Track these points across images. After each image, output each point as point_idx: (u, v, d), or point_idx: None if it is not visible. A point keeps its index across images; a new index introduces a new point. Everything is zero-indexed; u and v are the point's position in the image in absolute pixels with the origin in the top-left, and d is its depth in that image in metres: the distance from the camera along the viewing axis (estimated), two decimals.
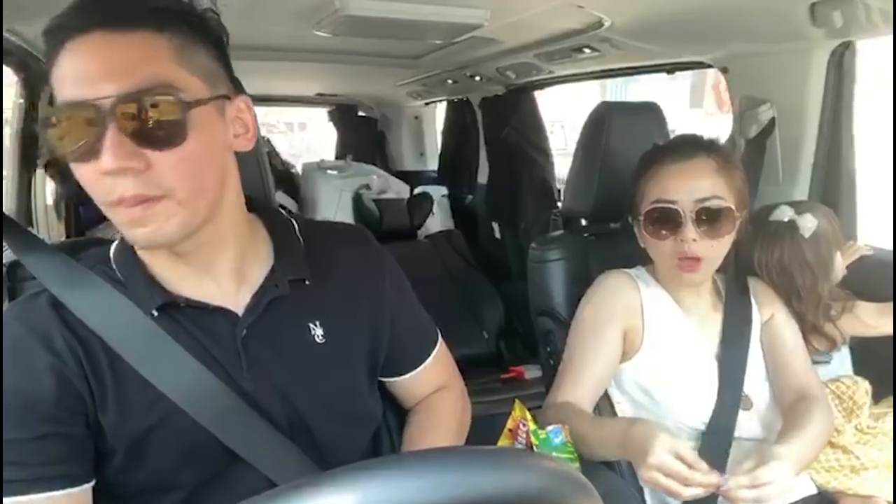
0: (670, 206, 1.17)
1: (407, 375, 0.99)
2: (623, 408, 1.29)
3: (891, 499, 1.21)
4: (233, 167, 0.77)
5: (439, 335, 1.02)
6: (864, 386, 1.33)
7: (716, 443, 1.19)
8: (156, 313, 0.76)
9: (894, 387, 1.32)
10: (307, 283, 0.84)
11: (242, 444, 0.76)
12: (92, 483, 0.74)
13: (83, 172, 0.67)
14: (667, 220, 1.17)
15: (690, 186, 1.16)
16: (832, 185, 1.65)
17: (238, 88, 0.77)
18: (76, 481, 0.72)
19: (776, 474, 0.94)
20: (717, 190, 1.16)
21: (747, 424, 1.22)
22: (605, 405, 1.33)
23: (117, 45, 0.65)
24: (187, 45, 0.69)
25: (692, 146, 1.20)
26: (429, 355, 1.00)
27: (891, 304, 1.36)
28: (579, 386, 1.19)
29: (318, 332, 0.82)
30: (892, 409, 1.32)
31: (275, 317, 0.80)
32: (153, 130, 0.65)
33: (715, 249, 1.18)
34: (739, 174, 1.20)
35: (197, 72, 0.69)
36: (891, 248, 1.53)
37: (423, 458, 0.41)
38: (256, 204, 0.87)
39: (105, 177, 0.65)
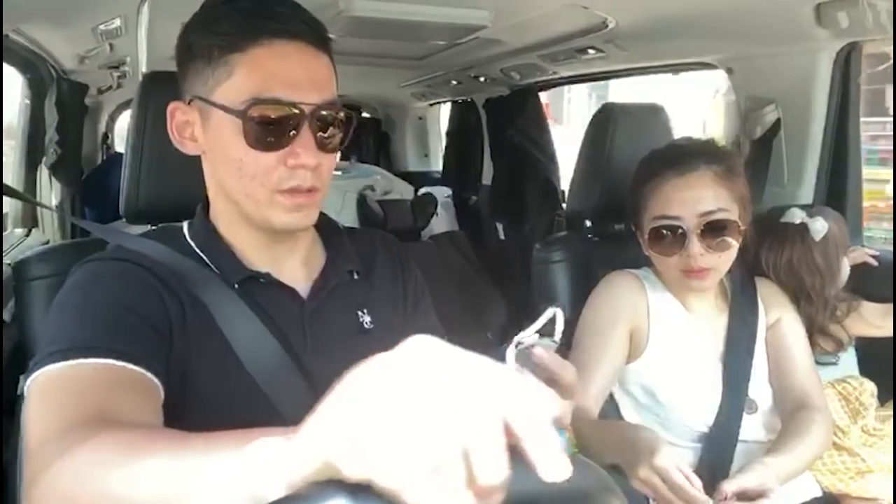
0: (674, 222, 1.16)
1: None
2: (627, 410, 1.29)
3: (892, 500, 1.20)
4: None
5: None
6: (870, 387, 1.33)
7: (719, 446, 1.19)
8: (237, 286, 0.80)
9: (894, 386, 1.31)
10: (356, 276, 0.91)
11: (296, 414, 0.76)
12: (163, 393, 0.71)
13: (261, 159, 0.76)
14: (671, 237, 1.17)
15: (693, 200, 1.15)
16: (838, 187, 1.65)
17: None
18: (158, 374, 0.70)
19: (761, 480, 0.95)
20: (720, 202, 1.15)
21: (752, 428, 1.22)
22: (609, 407, 1.32)
23: (318, 61, 0.78)
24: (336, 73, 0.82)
25: (693, 156, 1.18)
26: None
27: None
28: (586, 386, 1.18)
29: (366, 320, 0.88)
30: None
31: (333, 304, 0.86)
32: (332, 137, 0.78)
33: (722, 260, 1.18)
34: (742, 181, 1.19)
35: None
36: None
37: None
38: None
39: (285, 167, 0.76)
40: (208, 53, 0.76)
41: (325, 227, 0.93)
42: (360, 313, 0.88)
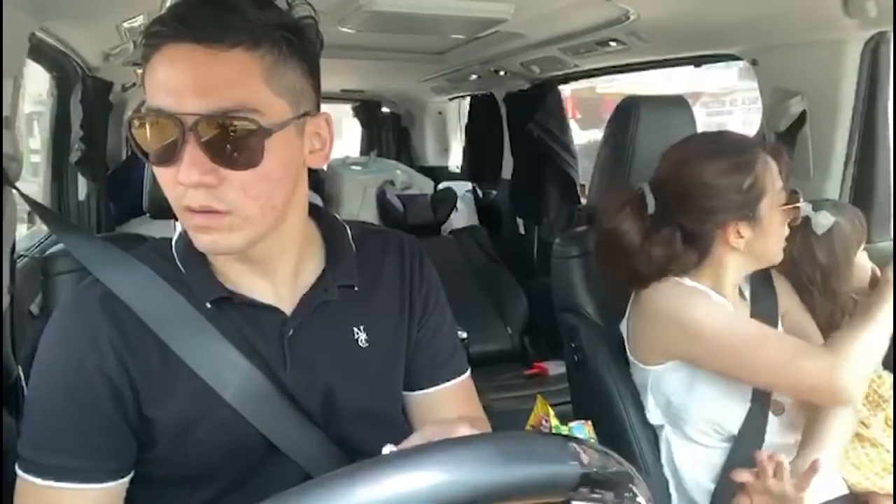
0: (787, 187, 1.22)
1: (421, 392, 0.93)
2: (653, 412, 1.27)
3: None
4: (303, 180, 0.79)
5: (468, 371, 0.97)
6: (889, 380, 1.30)
7: (747, 448, 1.18)
8: (209, 305, 0.78)
9: (894, 387, 1.29)
10: (356, 289, 0.85)
11: (282, 437, 0.77)
12: (130, 475, 0.76)
13: (160, 173, 0.70)
14: (788, 203, 1.22)
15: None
16: (865, 182, 1.62)
17: (320, 100, 0.78)
18: (116, 474, 0.75)
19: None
20: None
21: (778, 429, 1.21)
22: (631, 405, 1.32)
23: (210, 62, 0.66)
24: (279, 64, 0.70)
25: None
26: (450, 379, 0.94)
27: None
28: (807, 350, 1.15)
29: (361, 337, 0.84)
30: None
31: (322, 319, 0.81)
32: (230, 152, 0.67)
33: None
34: None
35: (284, 92, 0.70)
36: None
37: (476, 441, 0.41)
38: (312, 208, 0.88)
39: (178, 184, 0.68)
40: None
41: (333, 234, 0.87)
42: (355, 330, 0.83)
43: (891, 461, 1.23)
